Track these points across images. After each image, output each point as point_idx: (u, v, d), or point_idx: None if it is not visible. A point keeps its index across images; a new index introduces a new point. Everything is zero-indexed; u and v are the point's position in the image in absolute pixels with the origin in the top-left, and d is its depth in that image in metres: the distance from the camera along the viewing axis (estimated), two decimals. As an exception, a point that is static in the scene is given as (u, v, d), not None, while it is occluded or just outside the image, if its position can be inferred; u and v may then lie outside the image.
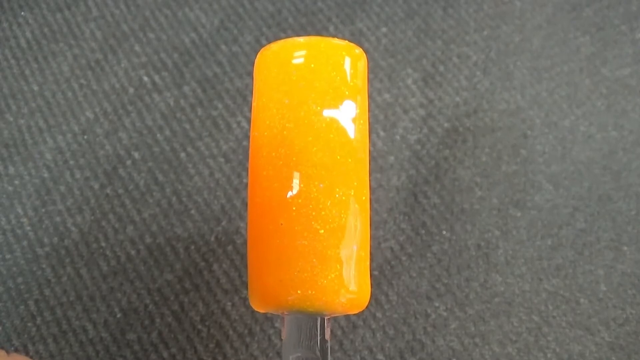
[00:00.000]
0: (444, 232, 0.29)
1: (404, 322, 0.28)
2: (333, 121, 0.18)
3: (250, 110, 0.32)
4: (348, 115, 0.18)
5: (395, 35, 0.35)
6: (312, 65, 0.18)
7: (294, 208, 0.17)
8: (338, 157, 0.18)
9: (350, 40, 0.20)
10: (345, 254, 0.18)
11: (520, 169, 0.31)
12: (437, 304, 0.28)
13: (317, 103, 0.18)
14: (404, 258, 0.29)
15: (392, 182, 0.30)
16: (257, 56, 0.20)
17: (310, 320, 0.18)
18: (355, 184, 0.18)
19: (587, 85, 0.33)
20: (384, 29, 0.35)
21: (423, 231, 0.30)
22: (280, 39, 0.20)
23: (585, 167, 0.31)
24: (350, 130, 0.18)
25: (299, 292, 0.17)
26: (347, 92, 0.18)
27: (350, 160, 0.18)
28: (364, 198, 0.19)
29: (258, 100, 0.19)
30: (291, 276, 0.17)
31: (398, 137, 0.32)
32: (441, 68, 0.34)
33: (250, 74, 0.33)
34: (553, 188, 0.31)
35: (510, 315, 0.28)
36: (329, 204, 0.18)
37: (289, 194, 0.17)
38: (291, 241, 0.17)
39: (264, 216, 0.18)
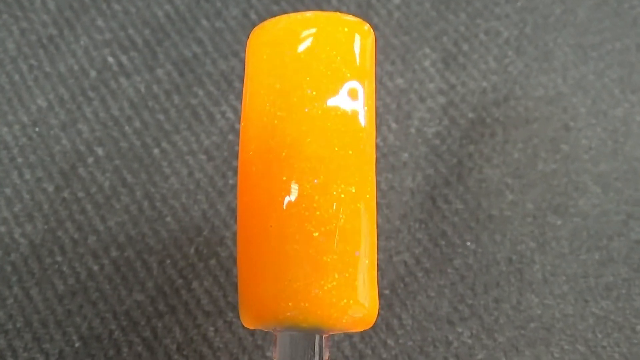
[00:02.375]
0: (468, 244, 0.28)
1: (420, 350, 0.26)
2: (331, 108, 0.18)
3: (236, 98, 0.31)
4: (349, 101, 0.18)
5: (410, 7, 0.33)
6: (309, 45, 0.18)
7: (284, 208, 0.17)
8: (336, 149, 0.18)
9: (356, 15, 0.19)
10: (345, 261, 0.17)
11: (561, 167, 0.30)
12: (460, 330, 0.27)
13: (313, 87, 0.18)
14: (420, 274, 0.28)
15: (406, 183, 0.29)
16: (250, 36, 0.19)
17: (305, 339, 0.18)
18: (357, 179, 0.18)
19: (645, 67, 0.32)
20: (396, 1, 0.33)
21: (443, 242, 0.28)
22: (272, 11, 0.19)
23: (642, 166, 0.30)
24: (352, 118, 0.18)
25: (290, 304, 0.17)
26: (348, 75, 0.18)
27: (350, 152, 0.18)
28: (368, 196, 0.18)
29: (248, 86, 0.19)
30: (282, 286, 0.17)
31: (413, 130, 0.30)
32: (465, 47, 0.32)
33: (236, 54, 0.32)
34: (601, 191, 0.29)
35: (550, 344, 0.26)
36: (324, 202, 0.17)
37: (279, 191, 0.17)
38: (281, 246, 0.17)
39: (253, 218, 0.18)
